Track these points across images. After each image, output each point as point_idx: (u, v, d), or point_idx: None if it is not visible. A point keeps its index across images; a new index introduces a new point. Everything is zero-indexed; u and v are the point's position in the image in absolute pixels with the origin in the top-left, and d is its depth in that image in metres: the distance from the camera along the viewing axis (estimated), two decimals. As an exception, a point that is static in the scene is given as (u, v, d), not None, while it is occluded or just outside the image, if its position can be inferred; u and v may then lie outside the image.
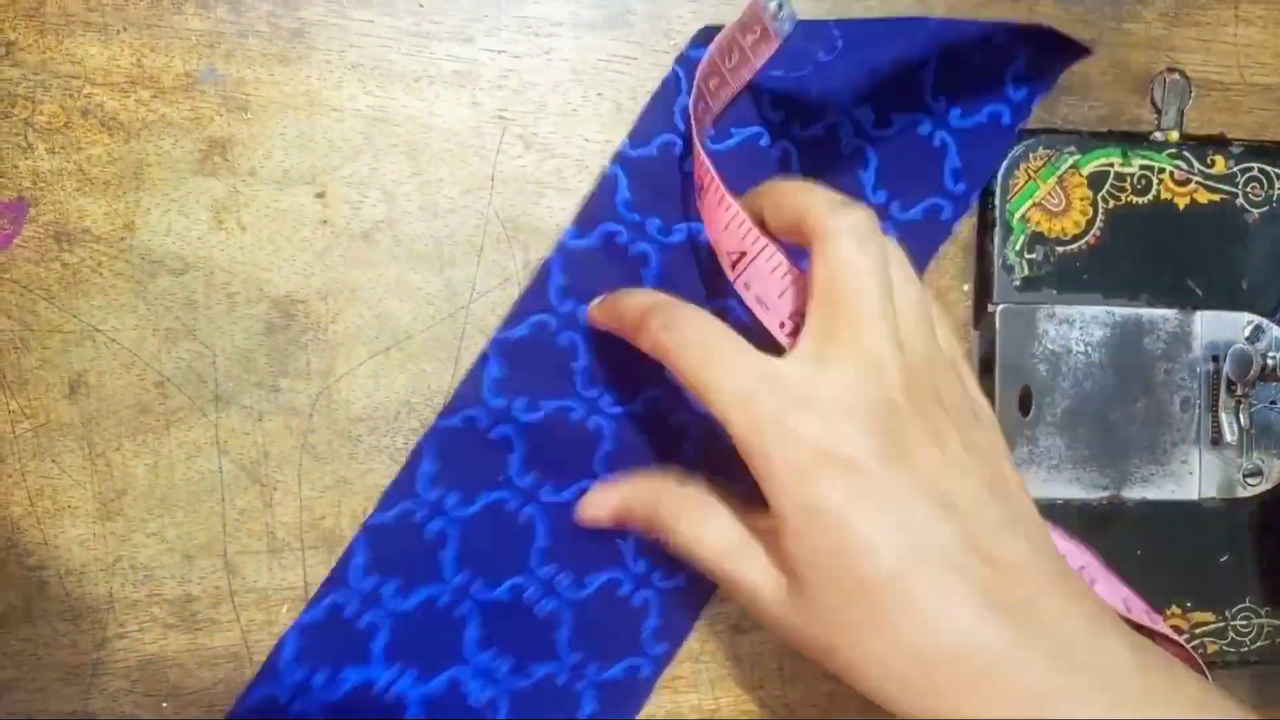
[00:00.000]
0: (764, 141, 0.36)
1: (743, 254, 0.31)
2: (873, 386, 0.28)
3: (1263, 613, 0.39)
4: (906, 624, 0.27)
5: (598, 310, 0.35)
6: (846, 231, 0.28)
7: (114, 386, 0.34)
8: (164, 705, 0.34)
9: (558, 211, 0.36)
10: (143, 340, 0.34)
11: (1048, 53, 0.36)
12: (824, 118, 0.36)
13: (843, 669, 0.28)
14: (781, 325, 0.31)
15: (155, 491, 0.34)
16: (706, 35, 0.35)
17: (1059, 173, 0.38)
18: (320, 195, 0.34)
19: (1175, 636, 0.34)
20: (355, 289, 0.35)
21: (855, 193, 0.36)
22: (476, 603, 0.35)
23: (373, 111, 0.35)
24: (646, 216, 0.35)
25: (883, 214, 0.37)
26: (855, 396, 0.28)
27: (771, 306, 0.31)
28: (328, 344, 0.35)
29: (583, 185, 0.36)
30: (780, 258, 0.31)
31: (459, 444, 0.35)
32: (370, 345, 0.35)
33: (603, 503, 0.35)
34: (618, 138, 0.36)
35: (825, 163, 0.36)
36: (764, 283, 0.31)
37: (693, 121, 0.33)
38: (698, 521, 0.31)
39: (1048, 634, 0.27)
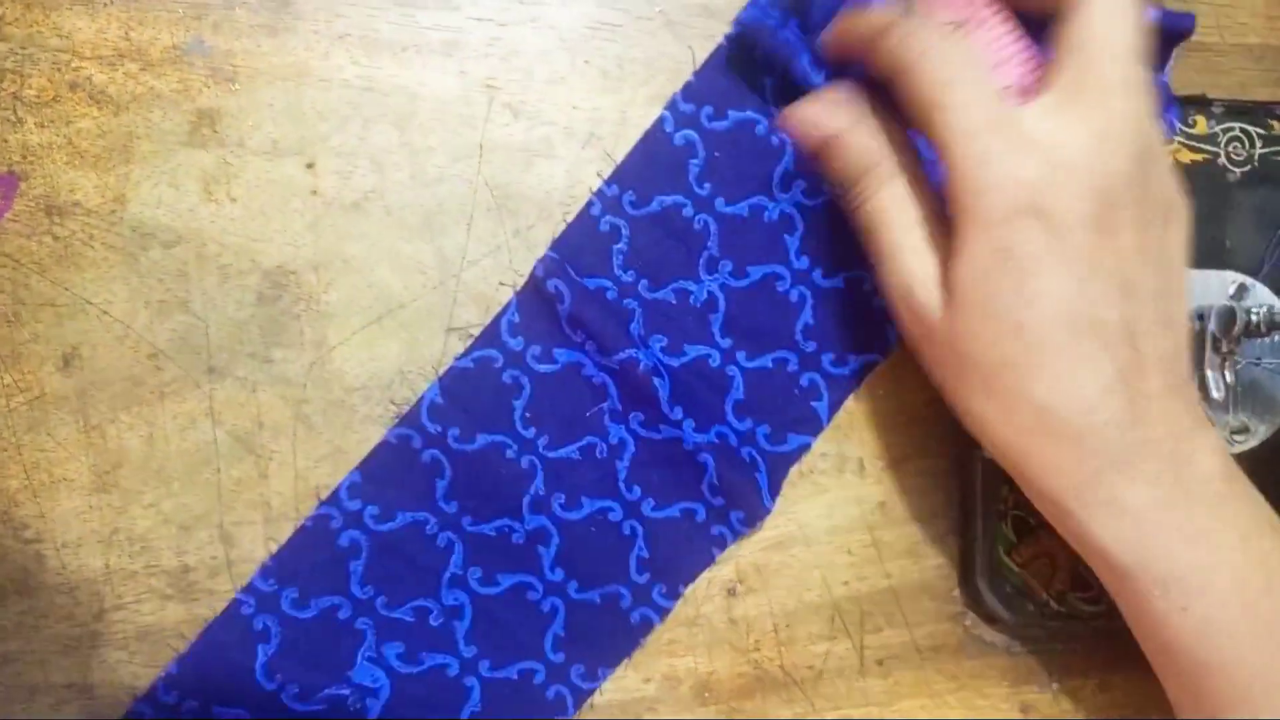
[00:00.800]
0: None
1: (960, 23, 0.31)
2: (1104, 155, 0.29)
3: (1252, 567, 0.39)
4: (1041, 375, 0.29)
5: (832, 33, 0.33)
6: None
7: (107, 359, 0.34)
8: (162, 676, 0.34)
9: (547, 179, 0.36)
10: (135, 313, 0.34)
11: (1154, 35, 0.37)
12: None
13: (962, 402, 0.31)
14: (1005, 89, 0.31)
15: (150, 463, 0.34)
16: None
17: (1043, 134, 0.38)
18: (310, 166, 0.35)
19: None
20: (346, 259, 0.35)
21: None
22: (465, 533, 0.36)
23: (361, 81, 0.35)
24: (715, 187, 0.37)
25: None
26: (1085, 160, 0.29)
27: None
28: (320, 314, 0.35)
29: (571, 152, 0.36)
30: (1002, 27, 0.31)
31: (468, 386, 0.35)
32: (363, 315, 0.35)
33: (821, 122, 0.33)
34: (606, 105, 0.36)
35: None
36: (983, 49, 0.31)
37: None
38: (898, 206, 0.32)
39: (1152, 425, 0.30)
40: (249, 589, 0.34)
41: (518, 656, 0.36)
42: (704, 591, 0.37)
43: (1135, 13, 0.29)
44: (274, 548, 0.35)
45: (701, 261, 0.36)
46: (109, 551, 0.34)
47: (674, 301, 0.36)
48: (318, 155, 0.35)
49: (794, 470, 0.37)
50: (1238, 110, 0.39)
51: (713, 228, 0.36)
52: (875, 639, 0.38)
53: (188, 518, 0.34)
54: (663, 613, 0.37)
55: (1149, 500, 0.30)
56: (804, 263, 0.37)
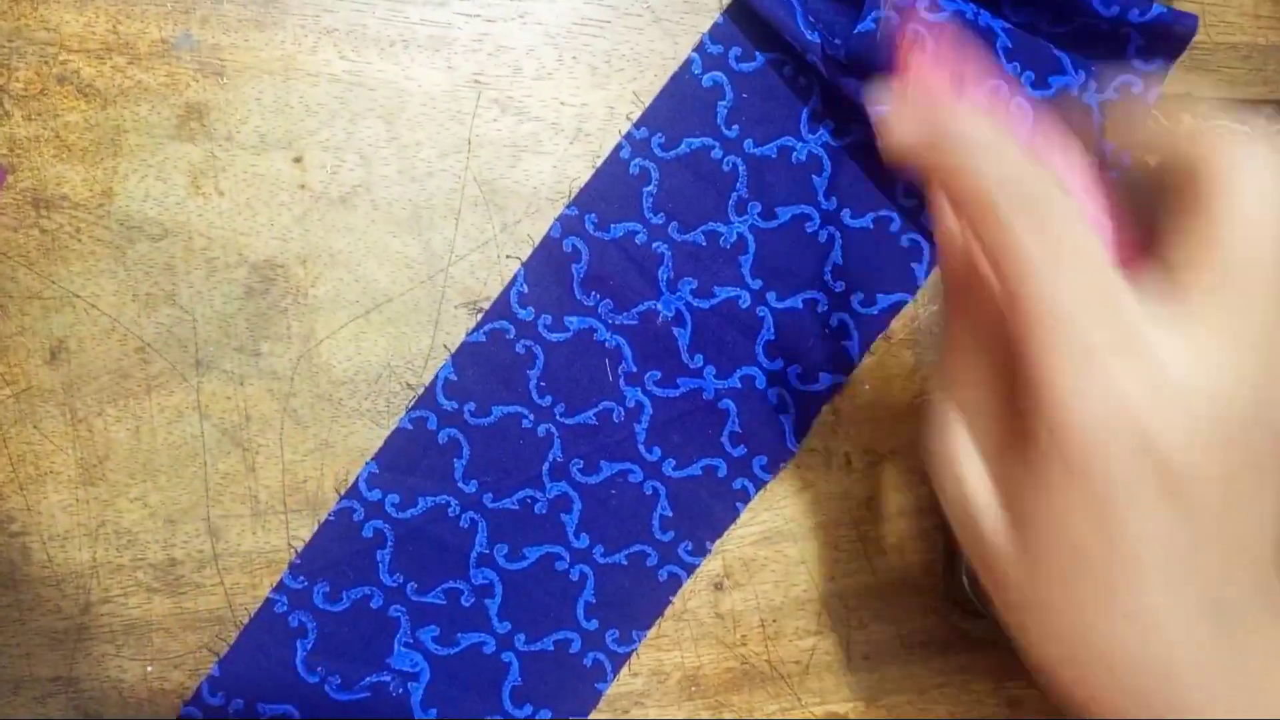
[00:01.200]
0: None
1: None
2: (1232, 386, 0.22)
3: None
4: (1116, 612, 0.24)
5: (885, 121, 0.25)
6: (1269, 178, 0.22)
7: (94, 352, 0.34)
8: (149, 669, 0.34)
9: (534, 175, 0.36)
10: (122, 306, 0.34)
11: (1159, 32, 0.37)
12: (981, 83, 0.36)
13: (1021, 632, 0.26)
14: None
15: (137, 456, 0.34)
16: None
17: (1030, 131, 0.38)
18: (297, 160, 0.35)
19: None
20: (334, 253, 0.35)
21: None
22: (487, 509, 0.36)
23: (348, 76, 0.35)
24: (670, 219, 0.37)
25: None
26: (1210, 390, 0.22)
27: None
28: (308, 308, 0.35)
29: (559, 148, 0.36)
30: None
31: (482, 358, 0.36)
32: (350, 309, 0.35)
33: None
34: (593, 101, 0.36)
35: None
36: None
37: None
38: (952, 434, 0.26)
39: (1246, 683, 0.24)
40: (280, 588, 0.35)
41: (552, 627, 0.36)
42: (690, 586, 0.37)
43: None
44: (298, 545, 0.35)
45: (731, 203, 0.37)
46: (96, 544, 0.34)
47: (704, 244, 0.37)
48: (305, 149, 0.35)
49: (780, 466, 0.38)
50: (1223, 109, 0.39)
51: (741, 169, 0.37)
52: (861, 634, 0.38)
53: (175, 511, 0.34)
54: (690, 569, 0.37)
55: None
56: (832, 203, 0.37)
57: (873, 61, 0.33)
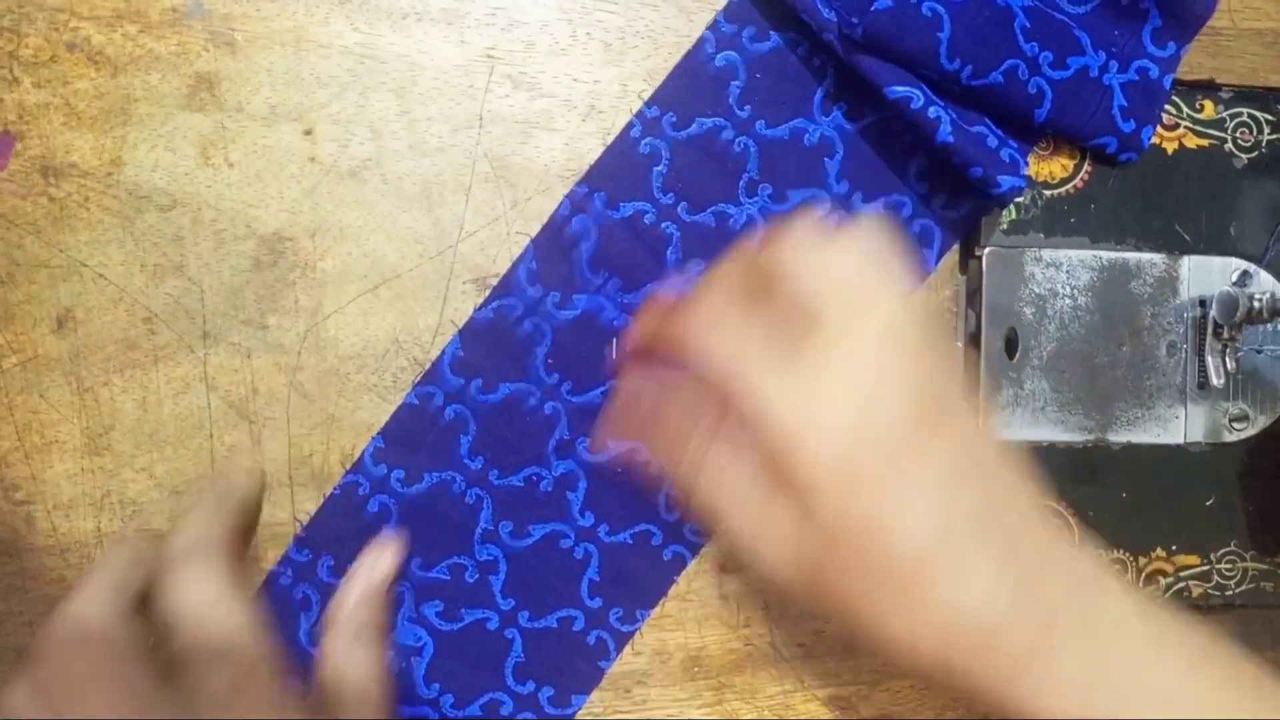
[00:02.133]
0: (916, 104, 0.35)
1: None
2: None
3: (1247, 556, 0.39)
4: (930, 600, 0.27)
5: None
6: None
7: (101, 322, 0.34)
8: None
9: (546, 151, 0.36)
10: (130, 276, 0.34)
11: (1177, 11, 0.37)
12: (999, 63, 0.35)
13: (858, 631, 0.27)
14: None
15: (144, 427, 0.34)
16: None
17: (1048, 116, 0.38)
18: (308, 132, 0.34)
19: None
20: (343, 227, 0.35)
21: (1029, 127, 0.36)
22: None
23: (360, 48, 0.34)
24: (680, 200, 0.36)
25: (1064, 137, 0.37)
26: (881, 382, 0.27)
27: None
28: (316, 282, 0.35)
29: (571, 125, 0.36)
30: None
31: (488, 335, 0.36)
32: (359, 283, 0.35)
33: (615, 434, 0.33)
34: (606, 78, 0.36)
35: (1004, 100, 0.35)
36: None
37: None
38: (719, 479, 0.29)
39: (1045, 598, 0.27)
40: (284, 560, 0.35)
41: (556, 605, 0.36)
42: (695, 567, 0.37)
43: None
44: (303, 518, 0.35)
45: (742, 185, 0.36)
46: (100, 514, 0.34)
47: (713, 225, 0.36)
48: (316, 122, 0.34)
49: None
50: (1246, 96, 0.39)
51: (753, 150, 0.36)
52: (866, 619, 0.38)
53: (180, 482, 0.34)
54: (695, 549, 0.37)
55: (1079, 668, 0.28)
56: (843, 187, 0.37)
57: (890, 41, 0.33)
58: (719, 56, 0.36)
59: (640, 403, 0.30)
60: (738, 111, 0.36)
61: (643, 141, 0.36)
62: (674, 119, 0.36)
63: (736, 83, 0.36)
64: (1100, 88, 0.36)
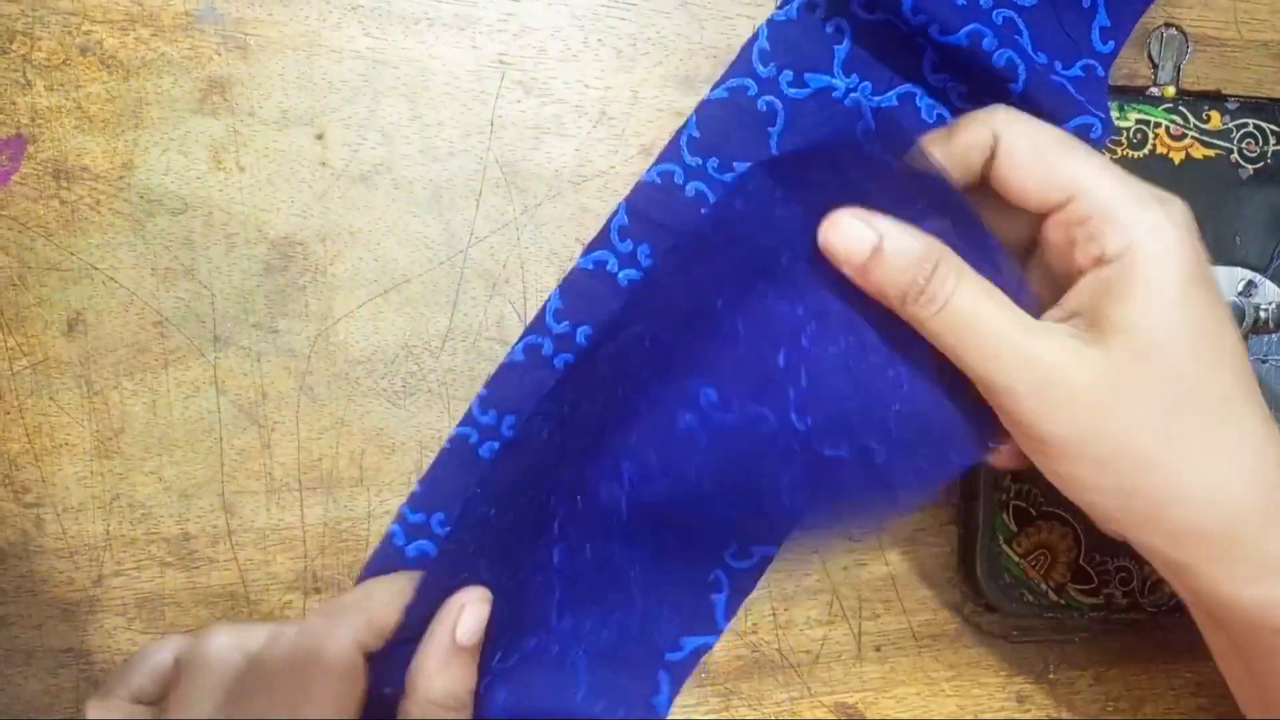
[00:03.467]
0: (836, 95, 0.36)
1: None
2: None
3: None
4: (1253, 408, 0.28)
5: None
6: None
7: (112, 325, 0.34)
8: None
9: (556, 157, 0.36)
10: (141, 279, 0.34)
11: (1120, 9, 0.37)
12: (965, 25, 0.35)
13: (1171, 464, 0.27)
14: None
15: (153, 430, 0.34)
16: None
17: (1056, 125, 0.38)
18: (319, 137, 0.34)
19: None
20: (354, 231, 0.35)
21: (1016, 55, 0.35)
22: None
23: (372, 53, 0.35)
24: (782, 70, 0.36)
25: (1048, 70, 0.36)
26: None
27: None
28: (326, 286, 0.35)
29: (582, 131, 0.36)
30: None
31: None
32: (369, 288, 0.35)
33: (855, 230, 0.29)
34: (618, 84, 0.36)
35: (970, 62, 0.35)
36: None
37: None
38: (980, 290, 0.28)
39: None
40: (399, 519, 0.35)
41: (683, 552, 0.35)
42: (703, 574, 0.37)
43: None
44: (312, 523, 0.35)
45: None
46: (110, 517, 0.34)
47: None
48: (328, 126, 0.34)
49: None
50: (1252, 107, 0.39)
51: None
52: (873, 625, 0.38)
53: (189, 486, 0.34)
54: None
55: None
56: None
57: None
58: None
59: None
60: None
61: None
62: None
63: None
64: (1055, 82, 0.35)
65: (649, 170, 0.36)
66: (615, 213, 0.36)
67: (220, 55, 0.34)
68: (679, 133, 0.36)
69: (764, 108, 0.36)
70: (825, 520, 0.35)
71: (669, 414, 0.31)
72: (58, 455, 0.34)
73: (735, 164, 0.36)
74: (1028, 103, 0.34)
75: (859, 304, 0.30)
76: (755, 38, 0.36)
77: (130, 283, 0.34)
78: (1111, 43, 0.37)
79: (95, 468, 0.34)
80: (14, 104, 0.33)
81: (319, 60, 0.34)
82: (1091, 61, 0.37)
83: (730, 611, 0.36)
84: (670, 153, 0.36)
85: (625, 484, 0.31)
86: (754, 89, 0.36)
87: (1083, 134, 0.35)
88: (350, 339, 0.35)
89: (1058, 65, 0.36)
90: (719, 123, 0.36)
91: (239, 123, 0.34)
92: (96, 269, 0.33)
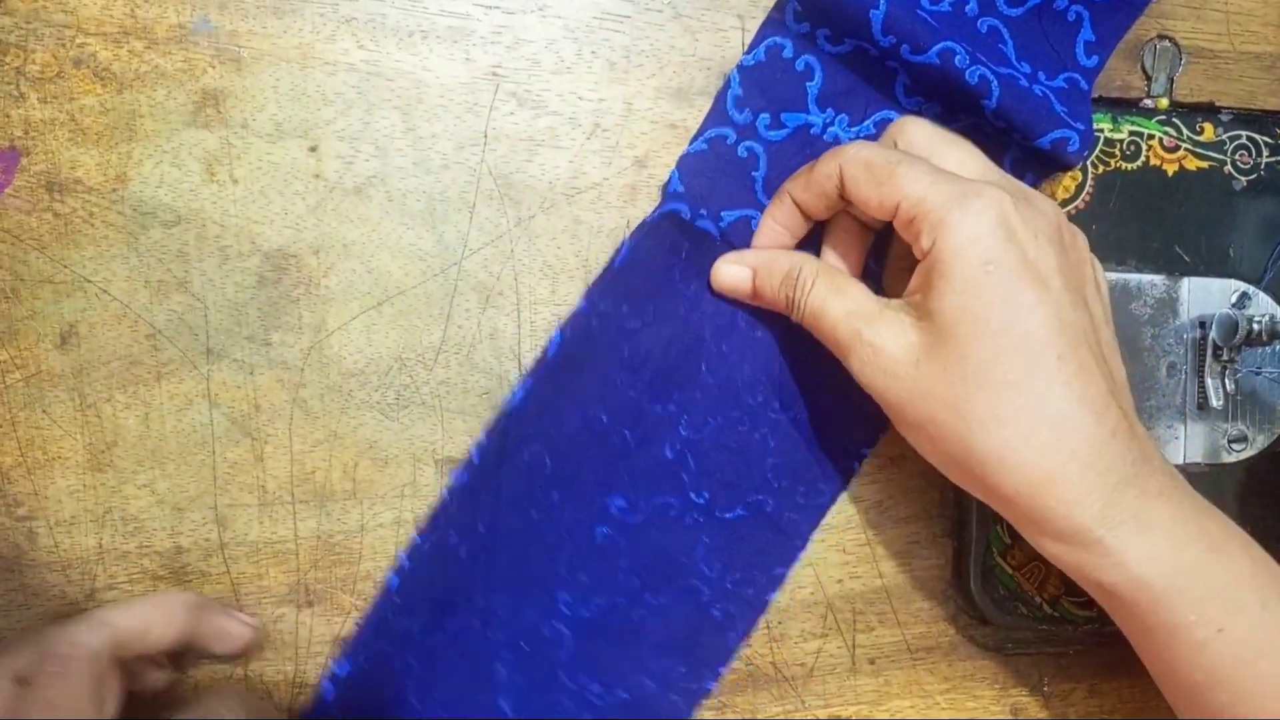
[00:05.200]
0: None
1: None
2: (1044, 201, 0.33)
3: (1246, 577, 0.39)
4: (1053, 385, 0.29)
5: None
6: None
7: (105, 338, 0.34)
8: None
9: (550, 169, 0.36)
10: (134, 292, 0.34)
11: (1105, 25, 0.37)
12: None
13: (961, 431, 0.30)
14: None
15: (146, 443, 0.34)
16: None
17: (1049, 137, 0.38)
18: (313, 149, 0.34)
19: None
20: (347, 244, 0.35)
21: (1000, 66, 0.36)
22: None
23: (366, 66, 0.35)
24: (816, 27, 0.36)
25: (1031, 80, 0.36)
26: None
27: None
28: (319, 298, 0.35)
29: (575, 143, 0.36)
30: None
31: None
32: (362, 300, 0.35)
33: (733, 272, 0.35)
34: (611, 96, 0.36)
35: (958, 34, 0.35)
36: None
37: None
38: (832, 286, 0.33)
39: (1142, 440, 0.31)
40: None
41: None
42: (697, 586, 0.37)
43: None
44: (305, 536, 0.34)
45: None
46: (102, 530, 0.34)
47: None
48: (321, 139, 0.34)
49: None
50: (1245, 119, 0.39)
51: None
52: (867, 638, 0.38)
53: (182, 499, 0.34)
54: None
55: (1169, 513, 0.30)
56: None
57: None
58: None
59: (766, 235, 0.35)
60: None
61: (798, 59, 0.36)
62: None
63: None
64: (1034, 93, 0.35)
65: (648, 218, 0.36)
66: (618, 250, 0.36)
67: (214, 68, 0.34)
68: (665, 186, 0.36)
69: (744, 154, 0.36)
70: (744, 583, 0.37)
71: (587, 531, 0.36)
72: (50, 468, 0.33)
73: (723, 213, 0.36)
74: (1002, 118, 0.34)
75: (716, 388, 0.36)
76: (728, 85, 0.36)
77: (123, 295, 0.34)
78: (1096, 57, 0.37)
79: (88, 481, 0.34)
80: (7, 116, 0.33)
81: (313, 73, 0.34)
82: (1075, 75, 0.37)
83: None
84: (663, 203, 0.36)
85: (563, 612, 0.35)
86: (733, 137, 0.36)
87: (1060, 148, 0.35)
88: (343, 352, 0.35)
89: (1041, 75, 0.36)
90: (702, 173, 0.36)
91: (233, 135, 0.34)
92: (90, 282, 0.33)
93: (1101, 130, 0.38)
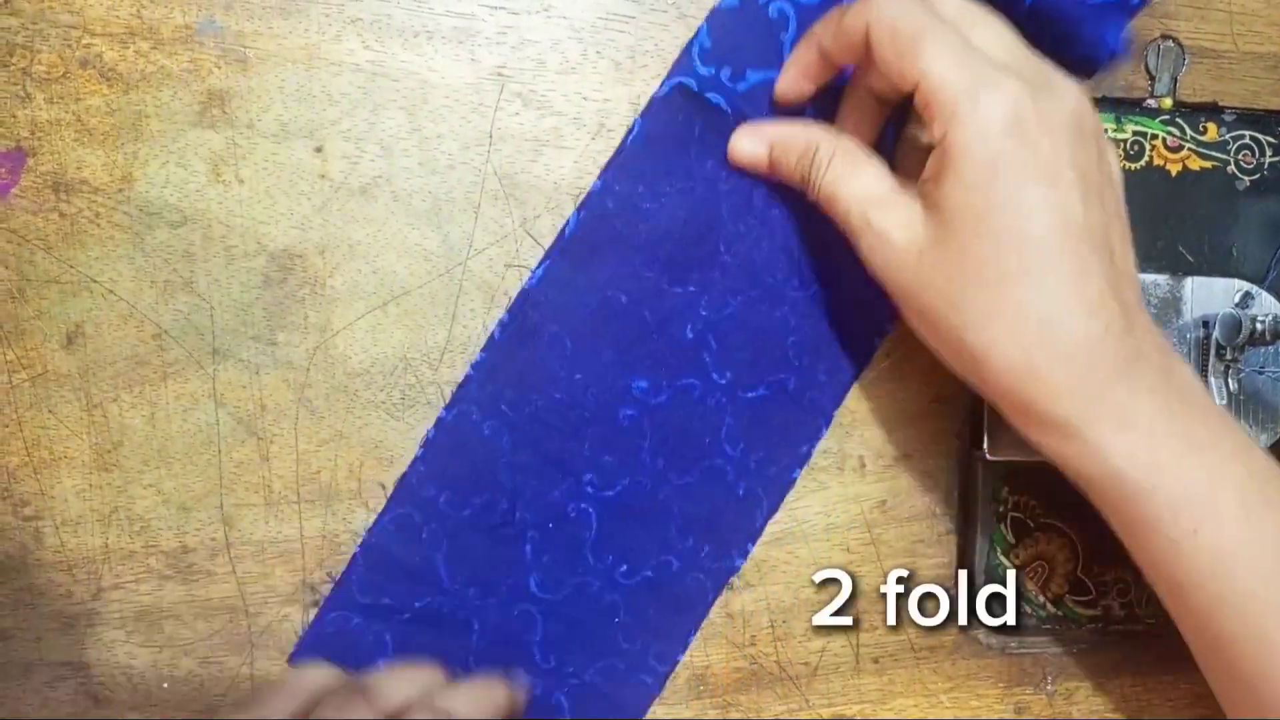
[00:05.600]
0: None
1: None
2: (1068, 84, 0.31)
3: (1249, 576, 0.40)
4: (1044, 283, 0.30)
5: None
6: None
7: (111, 338, 0.34)
8: (159, 655, 0.34)
9: (555, 169, 0.36)
10: (140, 292, 0.34)
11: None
12: None
13: (956, 324, 0.31)
14: None
15: (152, 443, 0.34)
16: None
17: (1053, 137, 0.38)
18: (319, 149, 0.34)
19: None
20: (353, 244, 0.35)
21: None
22: None
23: (371, 66, 0.35)
24: None
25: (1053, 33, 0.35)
26: (1057, 79, 0.31)
27: None
28: (325, 298, 0.35)
29: (580, 143, 0.36)
30: None
31: None
32: (368, 300, 0.35)
33: (752, 145, 0.35)
34: (616, 96, 0.36)
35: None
36: None
37: None
38: (847, 167, 0.33)
39: (1140, 336, 0.31)
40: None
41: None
42: (702, 585, 0.37)
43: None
44: (310, 535, 0.35)
45: None
46: (108, 530, 0.34)
47: None
48: (327, 139, 0.34)
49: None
50: (1249, 119, 0.39)
51: None
52: (870, 637, 0.38)
53: (188, 499, 0.34)
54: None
55: (1154, 410, 0.30)
56: None
57: None
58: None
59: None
60: None
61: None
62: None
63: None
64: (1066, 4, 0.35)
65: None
66: (630, 129, 0.36)
67: (220, 68, 0.34)
68: (690, 44, 0.36)
69: (775, 15, 0.36)
70: (768, 461, 0.37)
71: (611, 414, 0.36)
72: (56, 468, 0.34)
73: (748, 72, 0.36)
74: (1035, 20, 0.34)
75: (735, 267, 0.36)
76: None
77: (129, 295, 0.34)
78: None
79: (94, 480, 0.34)
80: (14, 117, 0.33)
81: (318, 73, 0.34)
82: None
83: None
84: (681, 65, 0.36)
85: (588, 493, 0.36)
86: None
87: (1093, 54, 0.35)
88: (349, 351, 0.35)
89: None
90: (732, 31, 0.36)
91: (238, 135, 0.34)
92: (96, 282, 0.33)
93: (1105, 130, 0.38)
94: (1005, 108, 0.29)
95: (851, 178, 0.33)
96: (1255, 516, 0.30)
